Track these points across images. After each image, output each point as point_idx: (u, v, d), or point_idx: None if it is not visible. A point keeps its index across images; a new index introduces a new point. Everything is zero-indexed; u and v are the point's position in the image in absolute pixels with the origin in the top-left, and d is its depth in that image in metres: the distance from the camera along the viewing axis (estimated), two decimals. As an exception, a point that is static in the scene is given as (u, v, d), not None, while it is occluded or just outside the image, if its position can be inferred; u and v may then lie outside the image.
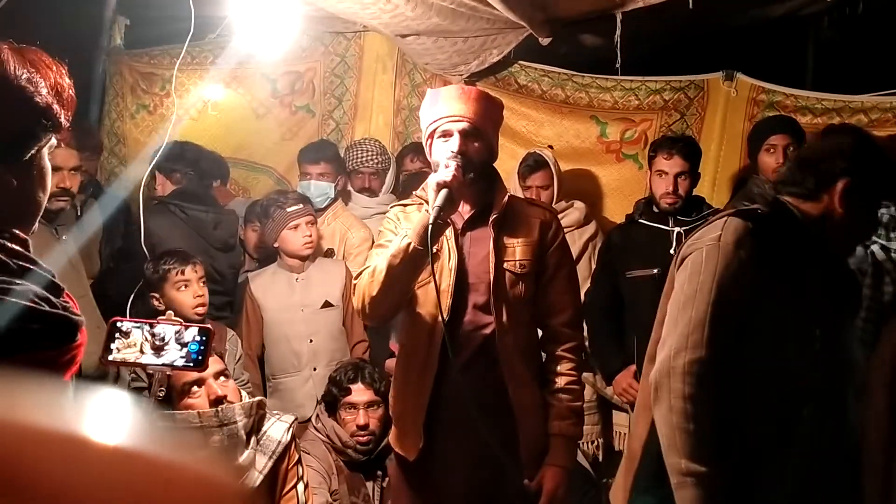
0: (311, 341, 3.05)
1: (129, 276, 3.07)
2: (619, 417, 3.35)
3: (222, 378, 2.21)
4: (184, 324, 1.53)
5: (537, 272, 2.07)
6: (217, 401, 2.13)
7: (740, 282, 1.58)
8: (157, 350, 1.48)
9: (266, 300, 3.08)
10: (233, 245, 3.41)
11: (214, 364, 2.18)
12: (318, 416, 2.73)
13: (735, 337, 1.58)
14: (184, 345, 1.50)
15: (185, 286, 2.76)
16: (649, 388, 1.61)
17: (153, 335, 1.49)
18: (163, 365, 1.49)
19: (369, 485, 2.63)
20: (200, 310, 2.77)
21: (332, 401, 2.68)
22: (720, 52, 3.74)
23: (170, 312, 1.72)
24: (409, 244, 1.87)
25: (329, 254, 3.30)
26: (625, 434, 3.29)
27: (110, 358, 1.49)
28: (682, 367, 1.54)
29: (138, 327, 1.49)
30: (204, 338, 1.51)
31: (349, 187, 3.59)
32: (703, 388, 1.53)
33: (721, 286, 1.57)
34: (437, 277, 1.96)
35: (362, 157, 3.56)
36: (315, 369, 3.03)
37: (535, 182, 3.30)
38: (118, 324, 1.51)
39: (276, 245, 3.12)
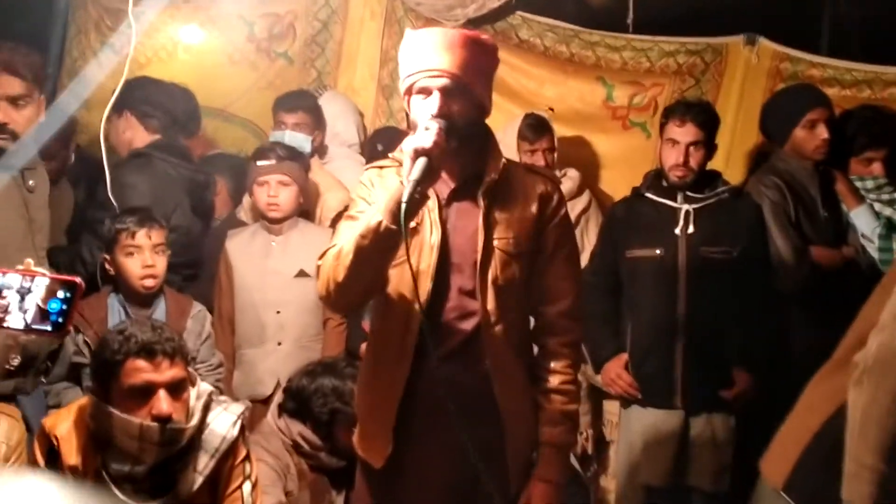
0: (278, 312, 2.77)
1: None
2: (610, 405, 3.11)
3: (180, 389, 1.83)
4: (50, 276, 1.19)
5: (534, 252, 1.79)
6: (159, 418, 1.78)
7: None
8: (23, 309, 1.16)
9: (238, 261, 2.80)
10: (213, 211, 3.09)
11: (173, 369, 1.81)
12: (279, 414, 2.42)
13: None
14: (44, 302, 1.17)
15: (134, 252, 2.41)
16: (845, 364, 1.52)
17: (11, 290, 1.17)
18: (14, 329, 1.17)
19: (334, 493, 2.38)
20: (148, 282, 2.42)
21: (331, 420, 2.35)
22: (734, 17, 3.43)
23: (30, 261, 1.33)
24: (380, 222, 1.57)
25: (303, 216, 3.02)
26: (615, 423, 3.07)
27: None
28: None
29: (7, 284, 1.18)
30: (68, 295, 1.17)
31: (326, 142, 3.30)
32: None
33: None
34: (415, 256, 1.68)
35: None
36: (280, 344, 2.76)
37: (543, 145, 3.05)
38: None
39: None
